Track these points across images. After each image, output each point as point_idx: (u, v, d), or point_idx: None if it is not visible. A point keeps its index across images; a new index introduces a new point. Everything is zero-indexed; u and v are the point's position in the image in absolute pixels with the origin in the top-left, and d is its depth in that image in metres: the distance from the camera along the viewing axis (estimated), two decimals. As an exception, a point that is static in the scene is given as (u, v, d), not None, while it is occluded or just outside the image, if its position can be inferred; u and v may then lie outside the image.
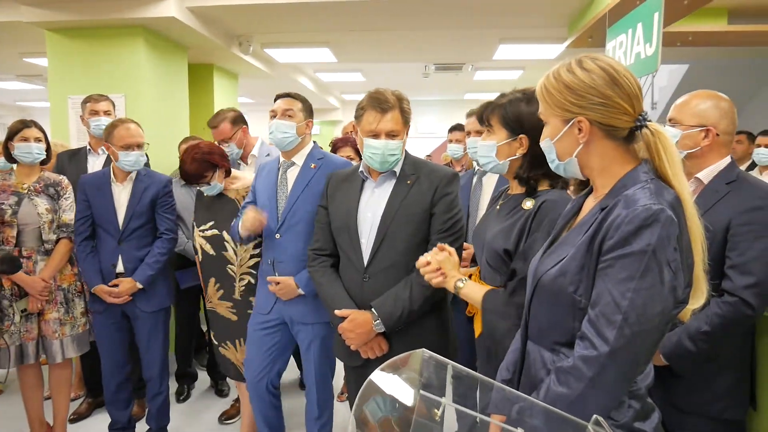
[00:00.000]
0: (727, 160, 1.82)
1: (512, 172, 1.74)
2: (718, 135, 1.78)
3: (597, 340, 1.10)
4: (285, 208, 2.46)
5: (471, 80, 8.37)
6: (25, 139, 2.92)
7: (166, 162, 4.13)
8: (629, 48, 3.11)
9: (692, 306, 1.19)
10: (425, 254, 1.77)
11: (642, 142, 1.22)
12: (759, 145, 4.34)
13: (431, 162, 2.37)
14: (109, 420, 3.12)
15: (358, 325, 2.03)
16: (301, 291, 2.45)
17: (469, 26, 4.76)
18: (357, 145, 3.68)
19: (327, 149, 9.65)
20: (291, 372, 4.18)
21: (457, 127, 4.24)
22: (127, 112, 4.20)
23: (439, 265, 1.72)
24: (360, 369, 2.17)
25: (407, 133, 2.14)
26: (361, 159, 3.69)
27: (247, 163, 3.55)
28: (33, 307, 2.88)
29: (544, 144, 1.30)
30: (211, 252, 2.78)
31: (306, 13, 4.33)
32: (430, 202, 2.05)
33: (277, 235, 2.46)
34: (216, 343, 2.89)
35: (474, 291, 1.71)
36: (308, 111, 2.55)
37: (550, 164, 1.32)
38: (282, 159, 2.56)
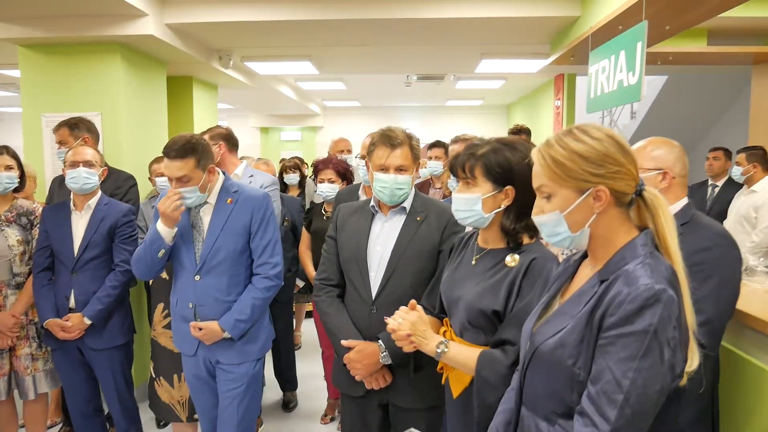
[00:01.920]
0: (684, 201, 1.86)
1: (494, 225, 1.69)
2: (674, 177, 1.85)
3: (598, 419, 1.10)
4: (204, 250, 2.35)
5: (453, 89, 8.37)
6: (-6, 168, 2.82)
7: (145, 181, 4.03)
8: (612, 74, 3.12)
9: (688, 369, 1.18)
10: (393, 316, 1.71)
11: (637, 207, 1.23)
12: (737, 163, 4.37)
13: (440, 201, 2.41)
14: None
15: (365, 356, 2.04)
16: (227, 335, 2.36)
17: (450, 42, 4.75)
18: (338, 167, 3.66)
19: (308, 160, 9.53)
20: (273, 392, 4.14)
21: (437, 144, 4.24)
22: (103, 130, 4.10)
23: (411, 328, 1.66)
24: (361, 399, 2.17)
25: (417, 170, 2.19)
26: (343, 182, 3.66)
27: None
28: (3, 344, 2.78)
29: (549, 218, 1.24)
30: (164, 276, 2.70)
31: (287, 29, 4.28)
32: (439, 240, 2.10)
33: (197, 277, 2.36)
34: (153, 376, 2.81)
35: (463, 355, 1.63)
36: (210, 159, 2.36)
37: (550, 237, 1.27)
38: None
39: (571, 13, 3.85)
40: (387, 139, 2.10)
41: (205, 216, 2.39)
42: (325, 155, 4.32)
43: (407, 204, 2.16)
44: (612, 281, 1.15)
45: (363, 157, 3.04)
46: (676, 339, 1.10)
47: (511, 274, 1.61)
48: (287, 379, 4.11)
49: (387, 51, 5.22)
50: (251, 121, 11.67)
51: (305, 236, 3.77)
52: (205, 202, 2.39)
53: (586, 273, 1.29)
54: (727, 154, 4.91)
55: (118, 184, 3.45)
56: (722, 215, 4.58)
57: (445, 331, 1.83)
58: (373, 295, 2.11)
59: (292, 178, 5.32)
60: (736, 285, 1.77)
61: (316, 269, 3.47)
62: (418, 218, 2.14)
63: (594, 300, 1.16)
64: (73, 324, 2.73)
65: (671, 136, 6.91)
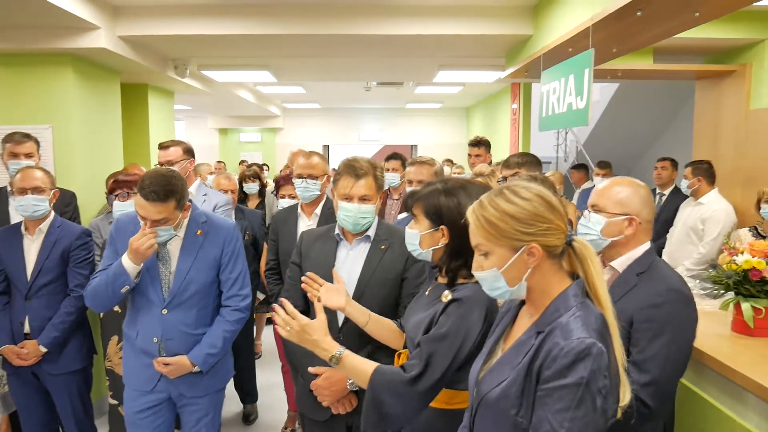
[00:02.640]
0: (645, 246, 1.80)
1: (436, 261, 1.77)
2: (640, 223, 1.79)
3: None
4: (175, 283, 2.28)
5: (412, 93, 8.45)
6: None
7: (99, 195, 3.96)
8: (562, 96, 3.23)
9: (621, 404, 1.28)
10: (280, 321, 1.67)
11: (568, 255, 1.32)
12: (684, 176, 4.56)
13: (401, 228, 2.42)
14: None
15: (333, 383, 2.06)
16: (197, 369, 2.31)
17: (409, 55, 4.81)
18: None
19: (268, 161, 9.44)
20: (232, 403, 4.13)
21: (394, 156, 4.29)
22: (54, 144, 4.01)
23: (298, 339, 1.66)
24: (325, 423, 2.19)
25: (381, 199, 2.25)
26: (303, 198, 3.68)
27: None
28: (-46, 371, 2.72)
29: (488, 274, 1.31)
30: (116, 309, 2.65)
31: (245, 41, 4.26)
32: (403, 267, 2.16)
33: (164, 311, 2.28)
34: (115, 402, 2.77)
35: (357, 369, 1.63)
36: (187, 195, 2.27)
37: (491, 291, 1.35)
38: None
39: (523, 32, 3.96)
40: (351, 169, 2.15)
41: (174, 248, 2.31)
42: (285, 156, 4.33)
43: (371, 232, 2.21)
44: (548, 334, 1.24)
45: (300, 176, 3.03)
46: (607, 386, 1.19)
47: (437, 308, 1.67)
48: (247, 391, 4.11)
49: (346, 62, 5.25)
50: (210, 123, 11.50)
51: (266, 251, 3.78)
52: (175, 235, 2.30)
53: (525, 321, 1.37)
54: (674, 164, 5.14)
55: (66, 201, 3.38)
56: (668, 223, 4.79)
57: (400, 354, 1.89)
58: (340, 322, 2.15)
59: (251, 187, 5.29)
60: (687, 344, 1.71)
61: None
62: (383, 246, 2.19)
63: (532, 352, 1.25)
64: (29, 351, 2.69)
65: (622, 141, 7.14)
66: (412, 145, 12.34)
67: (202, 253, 2.31)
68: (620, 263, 1.80)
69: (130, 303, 2.39)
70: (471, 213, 1.32)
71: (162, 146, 3.35)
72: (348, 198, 2.14)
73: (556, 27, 3.52)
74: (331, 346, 1.65)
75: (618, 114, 7.71)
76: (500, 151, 7.28)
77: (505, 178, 3.02)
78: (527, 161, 2.99)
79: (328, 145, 12.41)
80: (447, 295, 1.67)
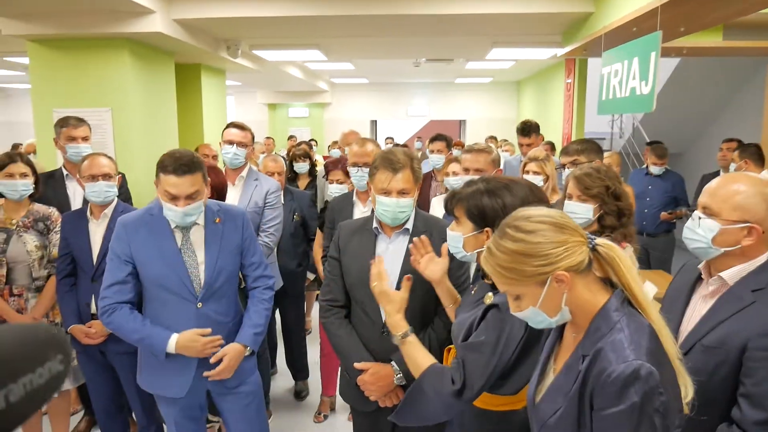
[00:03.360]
0: (763, 258, 1.54)
1: None
2: (763, 232, 1.51)
3: None
4: (207, 274, 2.24)
5: (462, 68, 8.27)
6: (10, 176, 2.86)
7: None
8: (625, 80, 3.09)
9: (685, 400, 1.23)
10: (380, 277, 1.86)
11: (596, 260, 1.26)
12: (732, 159, 4.34)
13: (440, 218, 2.39)
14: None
15: (380, 378, 2.07)
16: (249, 350, 2.32)
17: (461, 33, 4.68)
18: (347, 168, 3.66)
19: (316, 136, 9.46)
20: (285, 380, 4.24)
21: (438, 138, 4.19)
22: (114, 126, 4.12)
23: (378, 297, 1.81)
24: (372, 414, 2.21)
25: (418, 190, 2.19)
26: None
27: (233, 184, 3.42)
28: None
29: (527, 313, 1.28)
30: None
31: (296, 22, 4.23)
32: None
33: (199, 305, 2.23)
34: None
35: (414, 357, 1.68)
36: (206, 174, 2.26)
37: (537, 325, 1.31)
38: (175, 216, 2.18)
39: (584, 9, 3.79)
40: (389, 163, 2.09)
41: (196, 238, 2.28)
42: (332, 132, 4.31)
43: (409, 224, 2.16)
44: (593, 357, 1.19)
45: (355, 164, 2.99)
46: (664, 402, 1.14)
47: (481, 311, 1.64)
48: (299, 368, 4.19)
49: (397, 40, 5.16)
50: (259, 98, 11.60)
51: (320, 235, 3.80)
52: (194, 223, 2.26)
53: (570, 339, 1.33)
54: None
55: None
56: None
57: (450, 349, 1.89)
58: (384, 317, 2.11)
59: (301, 166, 5.32)
60: None
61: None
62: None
63: (580, 378, 1.21)
64: (97, 331, 2.81)
65: (683, 119, 6.84)
66: (460, 120, 12.12)
67: (226, 240, 2.30)
68: (731, 275, 1.57)
69: (148, 306, 2.31)
70: (485, 263, 1.28)
71: (237, 125, 3.35)
72: (386, 192, 2.09)
73: (620, 5, 3.35)
74: (399, 325, 1.73)
75: (678, 89, 7.33)
76: (553, 128, 7.08)
77: (563, 166, 2.93)
78: (587, 148, 2.87)
79: (375, 120, 12.35)
80: (490, 297, 1.63)
